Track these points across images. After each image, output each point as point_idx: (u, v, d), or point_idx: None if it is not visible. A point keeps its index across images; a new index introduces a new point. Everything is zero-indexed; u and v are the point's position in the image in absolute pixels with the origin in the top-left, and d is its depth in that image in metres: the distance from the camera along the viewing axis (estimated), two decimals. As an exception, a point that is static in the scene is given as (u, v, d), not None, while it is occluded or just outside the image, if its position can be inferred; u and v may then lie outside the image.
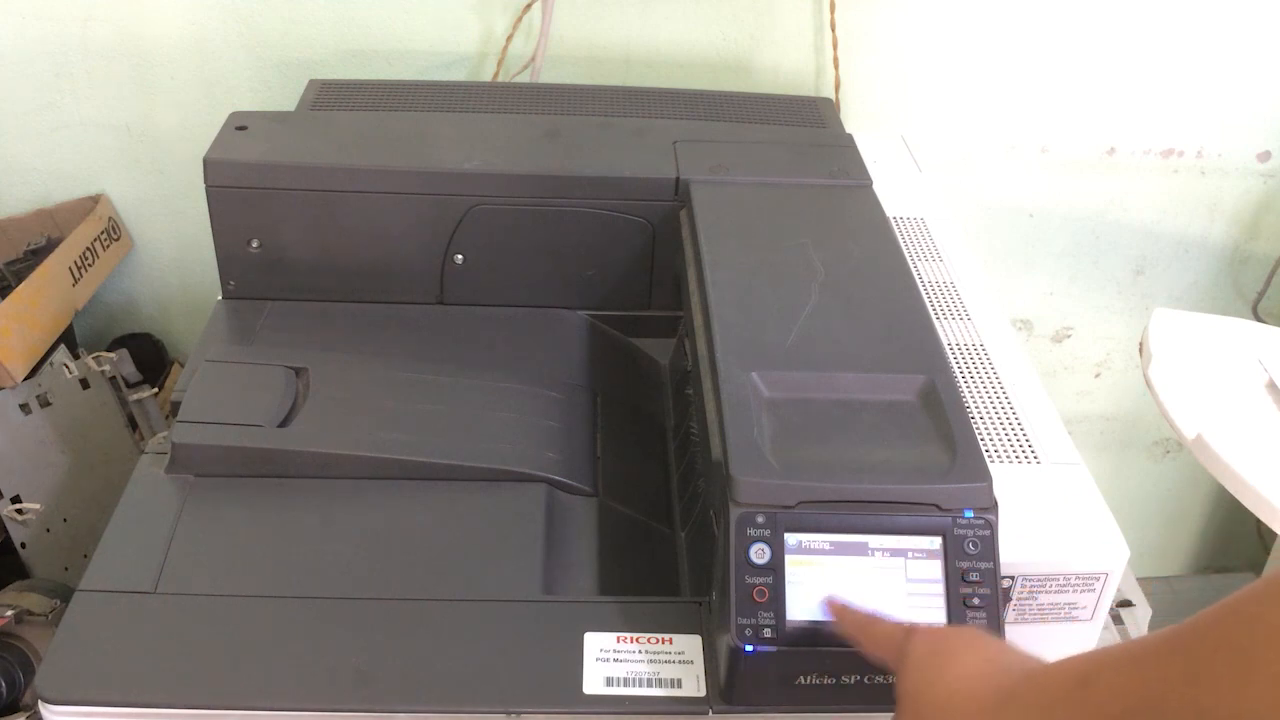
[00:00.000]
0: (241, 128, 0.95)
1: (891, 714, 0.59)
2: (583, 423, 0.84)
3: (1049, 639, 0.71)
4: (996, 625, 0.61)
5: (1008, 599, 0.69)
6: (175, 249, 1.40)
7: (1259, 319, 1.51)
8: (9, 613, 1.05)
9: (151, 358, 1.39)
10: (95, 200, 1.33)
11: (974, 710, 0.50)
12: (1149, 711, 0.42)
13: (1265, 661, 0.39)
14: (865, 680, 0.61)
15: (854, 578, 0.61)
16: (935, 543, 0.62)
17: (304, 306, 0.94)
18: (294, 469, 0.76)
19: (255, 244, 0.92)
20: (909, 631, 0.55)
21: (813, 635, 0.60)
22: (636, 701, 0.63)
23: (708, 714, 0.63)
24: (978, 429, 0.74)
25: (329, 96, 1.08)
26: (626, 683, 0.63)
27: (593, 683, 0.63)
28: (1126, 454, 1.69)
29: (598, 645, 0.65)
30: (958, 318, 0.89)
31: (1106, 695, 0.45)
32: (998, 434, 0.78)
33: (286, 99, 1.24)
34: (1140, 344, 1.03)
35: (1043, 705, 0.48)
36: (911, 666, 0.54)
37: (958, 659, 0.53)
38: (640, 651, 0.65)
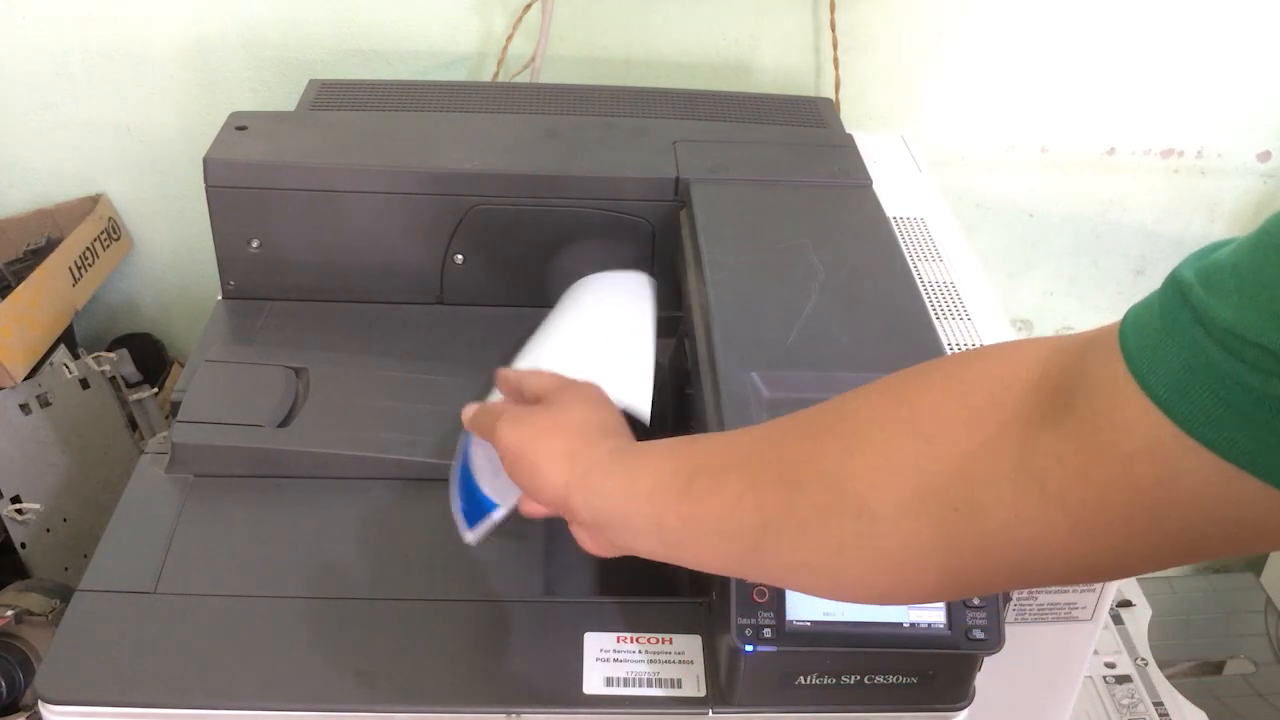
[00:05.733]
0: (241, 128, 0.94)
1: (891, 714, 0.59)
2: (583, 423, 0.84)
3: (1049, 639, 0.71)
4: (997, 625, 0.61)
5: (1007, 599, 0.69)
6: (175, 249, 1.40)
7: (1259, 319, 1.51)
8: (9, 613, 1.05)
9: (151, 358, 1.39)
10: (95, 200, 1.33)
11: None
12: (735, 467, 0.49)
13: (840, 433, 0.46)
14: (865, 680, 0.61)
15: (854, 578, 0.61)
16: (935, 543, 0.61)
17: (304, 306, 0.94)
18: (294, 469, 0.76)
19: (255, 244, 0.92)
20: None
21: (813, 635, 0.60)
22: (636, 701, 0.63)
23: (708, 714, 0.63)
24: (978, 429, 0.74)
25: (329, 96, 1.08)
26: (626, 683, 0.63)
27: (593, 683, 0.63)
28: (1126, 454, 1.69)
29: (598, 645, 0.65)
30: (958, 318, 0.89)
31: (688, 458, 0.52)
32: (998, 434, 0.78)
33: (286, 99, 1.24)
34: (1140, 344, 1.02)
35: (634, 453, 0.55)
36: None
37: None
38: (640, 651, 0.65)
